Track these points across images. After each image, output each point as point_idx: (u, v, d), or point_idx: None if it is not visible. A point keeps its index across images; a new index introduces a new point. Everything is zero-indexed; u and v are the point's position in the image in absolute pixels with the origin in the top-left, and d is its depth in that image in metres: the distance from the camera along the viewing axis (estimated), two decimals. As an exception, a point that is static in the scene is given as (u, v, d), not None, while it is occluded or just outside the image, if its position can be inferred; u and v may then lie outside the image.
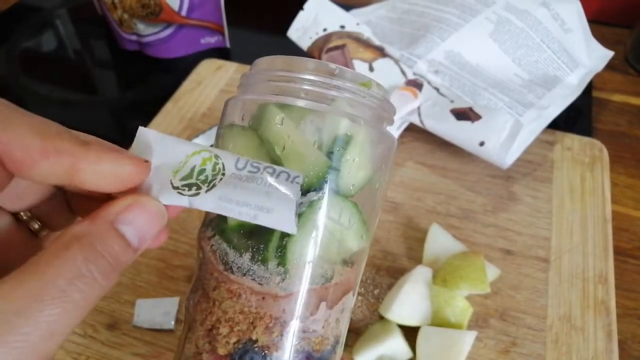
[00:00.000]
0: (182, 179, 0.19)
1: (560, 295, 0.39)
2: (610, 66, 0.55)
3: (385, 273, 0.41)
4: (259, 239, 0.21)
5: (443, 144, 0.49)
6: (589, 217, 0.44)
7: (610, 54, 0.55)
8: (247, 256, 0.21)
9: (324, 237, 0.21)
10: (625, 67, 0.62)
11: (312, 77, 0.21)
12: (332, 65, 0.22)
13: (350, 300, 0.24)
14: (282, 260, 0.21)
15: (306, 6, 0.56)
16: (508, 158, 0.44)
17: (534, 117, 0.48)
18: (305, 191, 0.21)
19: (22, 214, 0.20)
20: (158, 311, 0.37)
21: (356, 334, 0.37)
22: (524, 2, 0.54)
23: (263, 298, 0.21)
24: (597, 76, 0.55)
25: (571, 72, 0.53)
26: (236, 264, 0.21)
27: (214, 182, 0.19)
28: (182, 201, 0.19)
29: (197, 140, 0.48)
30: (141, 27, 0.59)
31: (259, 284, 0.21)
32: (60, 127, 0.17)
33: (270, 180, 0.19)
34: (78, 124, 0.63)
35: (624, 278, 0.42)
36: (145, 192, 0.18)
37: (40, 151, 0.16)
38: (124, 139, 0.53)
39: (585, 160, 0.49)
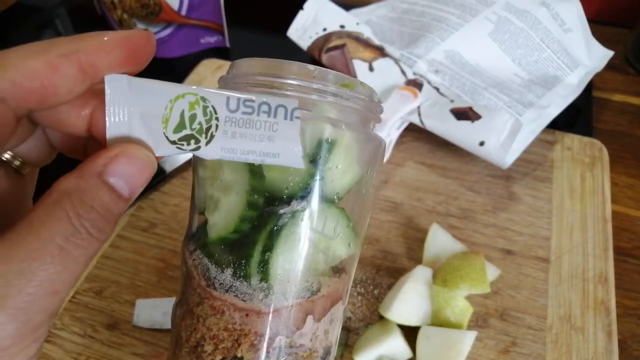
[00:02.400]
0: (176, 130, 0.18)
1: (560, 295, 0.39)
2: (610, 66, 0.55)
3: (385, 273, 0.40)
4: (240, 254, 0.21)
5: (443, 144, 0.49)
6: (589, 217, 0.44)
7: (610, 53, 0.55)
8: (228, 272, 0.21)
9: (308, 249, 0.21)
10: (626, 67, 0.62)
11: (290, 82, 0.20)
12: (311, 67, 0.21)
13: (340, 309, 0.23)
14: (264, 275, 0.20)
15: (306, 6, 0.56)
16: (508, 158, 0.44)
17: (534, 116, 0.48)
18: (288, 199, 0.20)
19: (4, 155, 0.19)
20: (158, 311, 0.37)
21: (356, 334, 0.37)
22: (523, 2, 0.54)
23: (247, 315, 0.20)
24: (598, 76, 0.55)
25: (571, 72, 0.53)
26: (218, 280, 0.21)
27: (210, 131, 0.18)
28: (184, 154, 0.18)
29: None
30: (141, 27, 0.59)
31: (242, 300, 0.20)
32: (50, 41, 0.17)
33: (269, 121, 0.18)
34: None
35: (624, 278, 0.42)
36: (136, 142, 0.18)
37: (48, 68, 0.16)
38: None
39: (585, 160, 0.49)
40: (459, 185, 0.47)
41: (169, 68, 0.62)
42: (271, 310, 0.20)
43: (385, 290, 0.39)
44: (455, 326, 0.36)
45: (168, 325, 0.37)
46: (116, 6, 0.58)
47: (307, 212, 0.20)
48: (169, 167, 0.46)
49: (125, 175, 0.17)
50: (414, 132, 0.51)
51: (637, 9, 0.65)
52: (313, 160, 0.20)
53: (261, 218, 0.20)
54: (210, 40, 0.63)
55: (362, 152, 0.22)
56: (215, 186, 0.21)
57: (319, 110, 0.21)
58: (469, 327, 0.37)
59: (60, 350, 0.36)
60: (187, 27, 0.60)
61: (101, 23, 0.66)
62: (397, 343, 0.35)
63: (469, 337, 0.34)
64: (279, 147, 0.18)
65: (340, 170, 0.21)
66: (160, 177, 0.46)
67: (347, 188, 0.22)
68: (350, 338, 0.37)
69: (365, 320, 0.38)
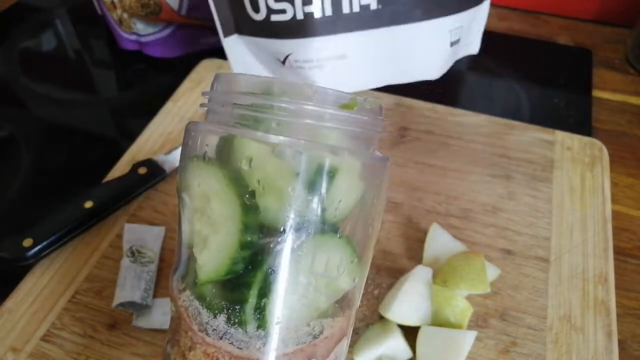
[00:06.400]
0: None
1: (560, 295, 0.39)
2: (610, 66, 0.55)
3: (385, 273, 0.40)
4: (234, 298, 0.19)
5: (443, 144, 0.49)
6: (589, 216, 0.44)
7: None
8: (222, 318, 0.19)
9: (308, 291, 0.19)
10: (626, 67, 0.62)
11: (284, 105, 0.18)
12: (307, 87, 0.19)
13: (344, 345, 0.21)
14: (261, 322, 0.18)
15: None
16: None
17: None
18: (286, 233, 0.18)
19: None
20: (158, 311, 0.37)
21: (356, 334, 0.37)
22: None
23: None
24: (598, 75, 0.55)
25: None
26: (211, 326, 0.19)
27: None
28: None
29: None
30: (141, 27, 0.59)
31: (238, 348, 0.18)
32: None
33: None
34: (77, 124, 0.62)
35: (624, 278, 0.42)
36: None
37: None
38: (123, 138, 0.53)
39: (585, 160, 0.49)
40: (459, 185, 0.47)
41: (168, 68, 0.62)
42: (270, 358, 0.19)
43: (385, 290, 0.39)
44: (455, 326, 0.36)
45: (168, 326, 0.37)
46: (116, 6, 0.58)
47: (306, 249, 0.18)
48: (168, 168, 0.46)
49: None
50: (414, 132, 0.51)
51: (637, 9, 0.65)
52: (312, 190, 0.18)
53: (256, 257, 0.18)
54: (211, 40, 0.63)
55: (366, 176, 0.20)
56: (203, 221, 0.19)
57: (317, 136, 0.18)
58: (469, 327, 0.37)
59: (60, 350, 0.36)
60: (187, 27, 0.60)
61: (101, 23, 0.66)
62: (397, 343, 0.35)
63: (469, 337, 0.34)
64: None
65: (342, 199, 0.19)
66: (160, 177, 0.46)
67: (343, 215, 0.20)
68: (350, 338, 0.37)
69: (365, 321, 0.38)
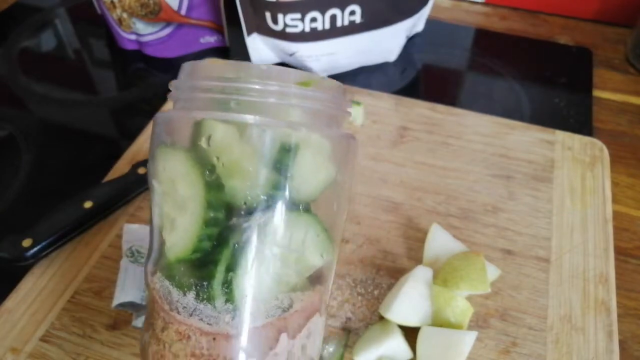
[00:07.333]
0: None
1: (560, 296, 0.39)
2: (610, 65, 0.55)
3: (386, 273, 0.40)
4: (201, 275, 0.19)
5: (443, 144, 0.49)
6: (589, 216, 0.44)
7: None
8: (191, 295, 0.19)
9: (275, 265, 0.19)
10: (626, 67, 0.62)
11: (241, 85, 0.18)
12: (264, 67, 0.19)
13: (318, 322, 0.22)
14: (229, 297, 0.19)
15: None
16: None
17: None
18: (250, 211, 0.18)
19: None
20: (157, 311, 0.37)
21: (356, 334, 0.37)
22: None
23: (214, 339, 0.19)
24: (598, 75, 0.54)
25: None
26: (181, 304, 0.19)
27: None
28: None
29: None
30: (140, 27, 0.59)
31: (207, 324, 0.19)
32: None
33: None
34: (77, 123, 0.62)
35: (625, 278, 0.41)
36: None
37: None
38: (122, 138, 0.53)
39: (585, 160, 0.49)
40: (459, 185, 0.47)
41: (168, 68, 0.62)
42: (240, 332, 0.19)
43: (386, 291, 0.39)
44: (456, 326, 0.35)
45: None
46: (116, 5, 0.58)
47: (271, 225, 0.18)
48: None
49: None
50: (414, 132, 0.51)
51: (637, 8, 0.65)
52: (275, 168, 0.18)
53: (222, 234, 0.19)
54: (210, 39, 0.63)
55: (331, 153, 0.20)
56: (171, 204, 0.20)
57: (278, 114, 0.19)
58: (470, 328, 0.37)
59: (59, 350, 0.36)
60: (187, 27, 0.60)
61: (100, 22, 0.66)
62: (397, 343, 0.35)
63: (469, 338, 0.34)
64: None
65: (307, 176, 0.19)
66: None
67: (317, 194, 0.20)
68: (350, 338, 0.37)
69: (366, 321, 0.38)
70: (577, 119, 0.55)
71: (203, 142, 0.18)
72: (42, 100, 0.58)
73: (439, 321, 0.36)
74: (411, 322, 0.36)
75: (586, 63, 0.62)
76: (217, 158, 0.18)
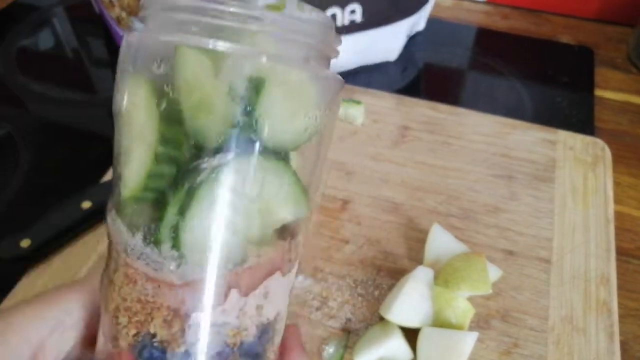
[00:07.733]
0: None
1: (562, 296, 0.39)
2: (612, 65, 0.55)
3: (386, 274, 0.40)
4: (151, 216, 0.18)
5: (444, 144, 0.49)
6: (591, 217, 0.44)
7: None
8: (139, 236, 0.18)
9: (230, 212, 0.17)
10: (628, 66, 0.62)
11: (199, 4, 0.16)
12: None
13: (280, 282, 0.20)
14: (175, 242, 0.17)
15: None
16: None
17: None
18: (213, 152, 0.17)
19: None
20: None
21: (356, 335, 0.37)
22: None
23: (158, 286, 0.18)
24: (600, 75, 0.54)
25: None
26: (130, 245, 0.18)
27: None
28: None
29: None
30: (139, 26, 0.59)
31: (153, 269, 0.17)
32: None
33: None
34: (75, 123, 0.62)
35: (626, 278, 0.41)
36: None
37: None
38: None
39: (587, 160, 0.48)
40: (460, 185, 0.46)
41: (167, 67, 0.61)
42: (184, 283, 0.17)
43: (386, 292, 0.39)
44: (457, 327, 0.35)
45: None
46: (114, 4, 0.57)
47: (230, 168, 0.17)
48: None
49: None
50: (414, 132, 0.51)
51: (639, 8, 0.65)
52: (238, 103, 0.16)
53: (179, 175, 0.17)
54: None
55: (309, 93, 0.18)
56: (128, 135, 0.19)
57: (242, 40, 0.17)
58: (471, 328, 0.37)
59: (57, 351, 0.35)
60: (186, 26, 0.60)
61: (99, 21, 0.65)
62: (397, 344, 0.34)
63: (470, 339, 0.34)
64: None
65: (281, 118, 0.17)
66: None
67: (297, 141, 0.18)
68: (351, 339, 0.36)
69: (366, 322, 0.37)
70: (579, 118, 0.55)
71: (155, 68, 0.17)
72: (40, 100, 0.57)
73: (439, 322, 0.36)
74: (412, 323, 0.35)
75: (588, 62, 0.62)
76: (172, 85, 0.16)
